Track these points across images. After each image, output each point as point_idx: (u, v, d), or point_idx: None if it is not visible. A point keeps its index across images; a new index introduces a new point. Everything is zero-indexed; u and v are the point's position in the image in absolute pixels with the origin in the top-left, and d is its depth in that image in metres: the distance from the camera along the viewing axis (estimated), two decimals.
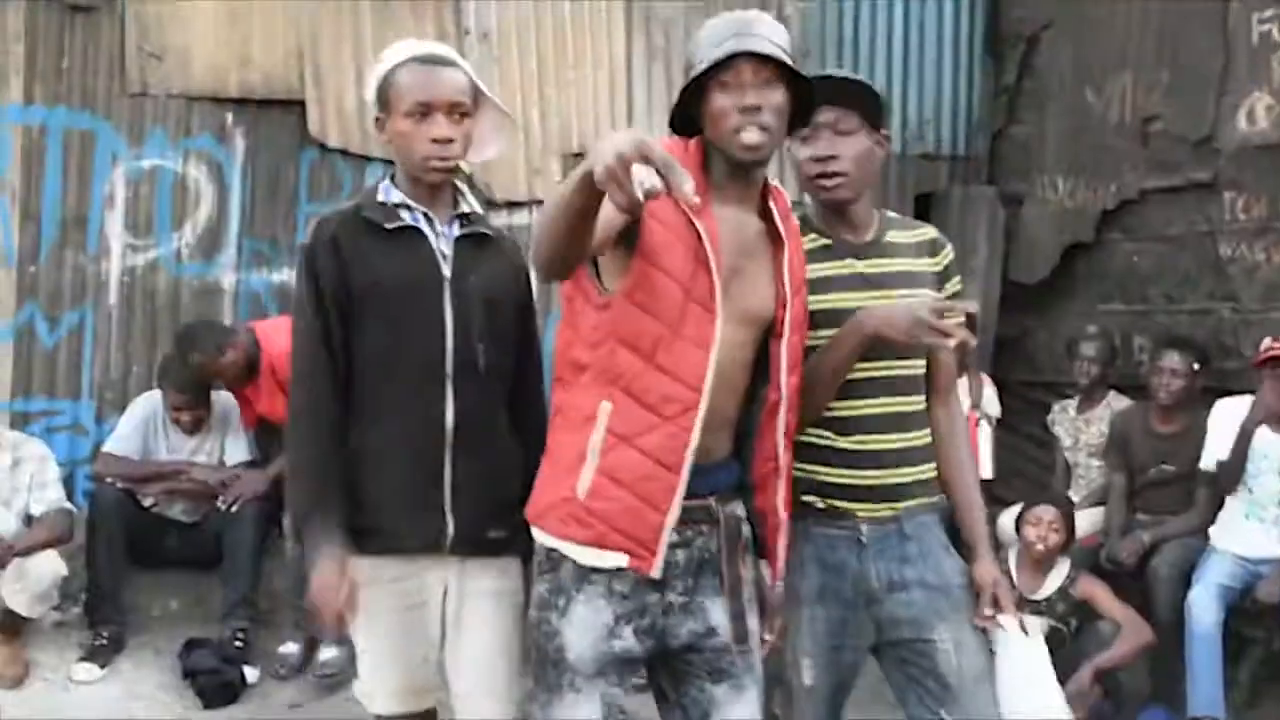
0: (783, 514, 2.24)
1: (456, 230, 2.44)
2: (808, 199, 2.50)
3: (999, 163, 6.55)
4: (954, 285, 2.52)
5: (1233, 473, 4.46)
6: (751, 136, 2.09)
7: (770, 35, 2.13)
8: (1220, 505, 4.57)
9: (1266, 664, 4.44)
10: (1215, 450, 4.58)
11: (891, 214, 2.55)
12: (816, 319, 2.35)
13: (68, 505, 4.60)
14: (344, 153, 5.60)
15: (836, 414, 2.38)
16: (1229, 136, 5.15)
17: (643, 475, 2.08)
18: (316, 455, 2.38)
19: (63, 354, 5.40)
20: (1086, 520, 4.96)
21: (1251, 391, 4.50)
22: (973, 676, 2.39)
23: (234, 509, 4.72)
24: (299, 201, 5.60)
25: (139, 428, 4.91)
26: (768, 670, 2.35)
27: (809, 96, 2.19)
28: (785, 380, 2.19)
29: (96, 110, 5.39)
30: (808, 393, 2.31)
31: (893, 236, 2.47)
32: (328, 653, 4.49)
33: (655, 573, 2.10)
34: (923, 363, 2.47)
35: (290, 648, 4.62)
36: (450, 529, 2.39)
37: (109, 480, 4.78)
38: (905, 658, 2.43)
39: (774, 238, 2.23)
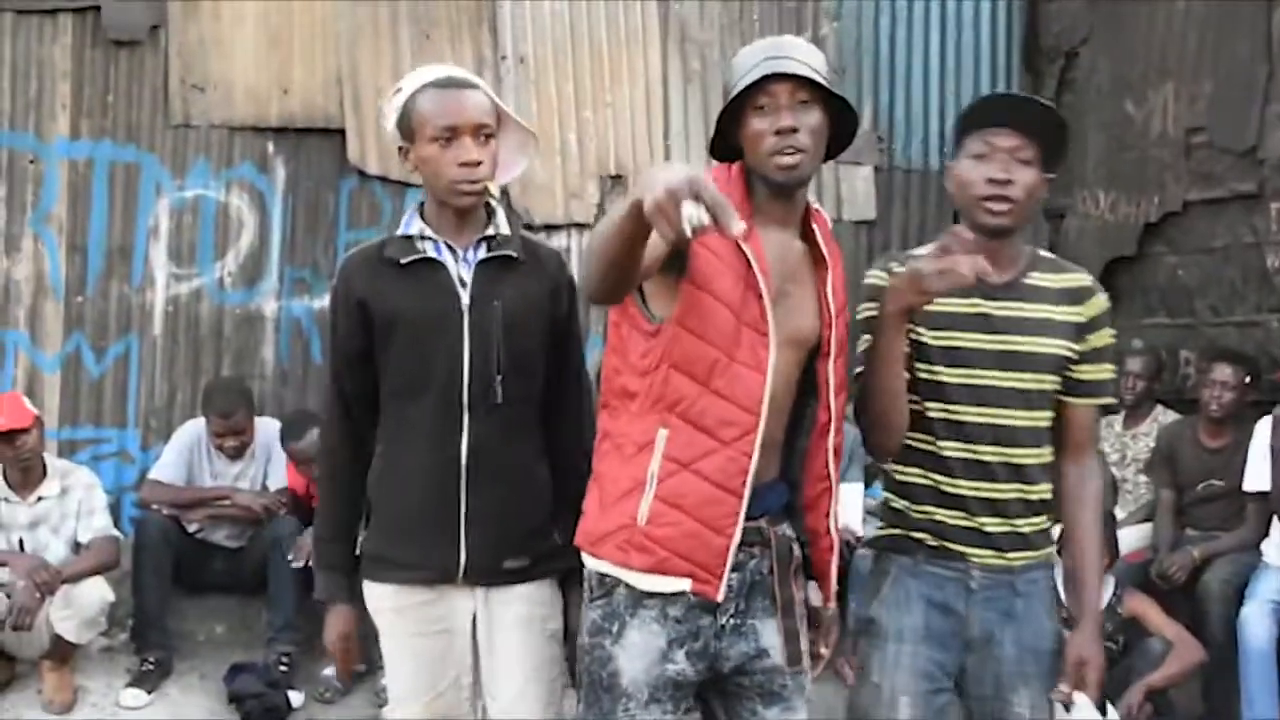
0: (834, 534, 2.24)
1: (481, 254, 2.42)
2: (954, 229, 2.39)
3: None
4: (1099, 338, 2.41)
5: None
6: (787, 159, 2.10)
7: (805, 58, 2.13)
8: (1271, 520, 4.49)
9: None
10: (1257, 471, 4.51)
11: (1046, 254, 2.47)
12: (933, 354, 2.34)
13: (114, 532, 4.64)
14: (383, 179, 5.64)
15: (949, 456, 2.36)
16: (1274, 146, 5.08)
17: (704, 500, 2.09)
18: (328, 502, 2.50)
19: (109, 383, 5.48)
20: (1134, 536, 4.90)
21: None
22: None
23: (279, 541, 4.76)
24: (339, 229, 5.65)
25: (183, 455, 4.96)
26: (854, 711, 2.39)
27: (849, 117, 2.19)
28: (834, 400, 2.20)
29: (141, 143, 5.48)
30: (876, 401, 2.30)
31: (1035, 279, 2.39)
32: (329, 670, 4.60)
33: (719, 596, 2.11)
34: (1048, 414, 2.39)
35: (333, 670, 4.63)
36: (463, 560, 2.39)
37: (154, 507, 4.83)
38: (978, 712, 2.41)
39: (816, 259, 2.23)
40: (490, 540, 2.38)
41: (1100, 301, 2.42)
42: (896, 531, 2.44)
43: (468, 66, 5.59)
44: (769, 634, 2.20)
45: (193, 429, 5.06)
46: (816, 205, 2.28)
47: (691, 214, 1.66)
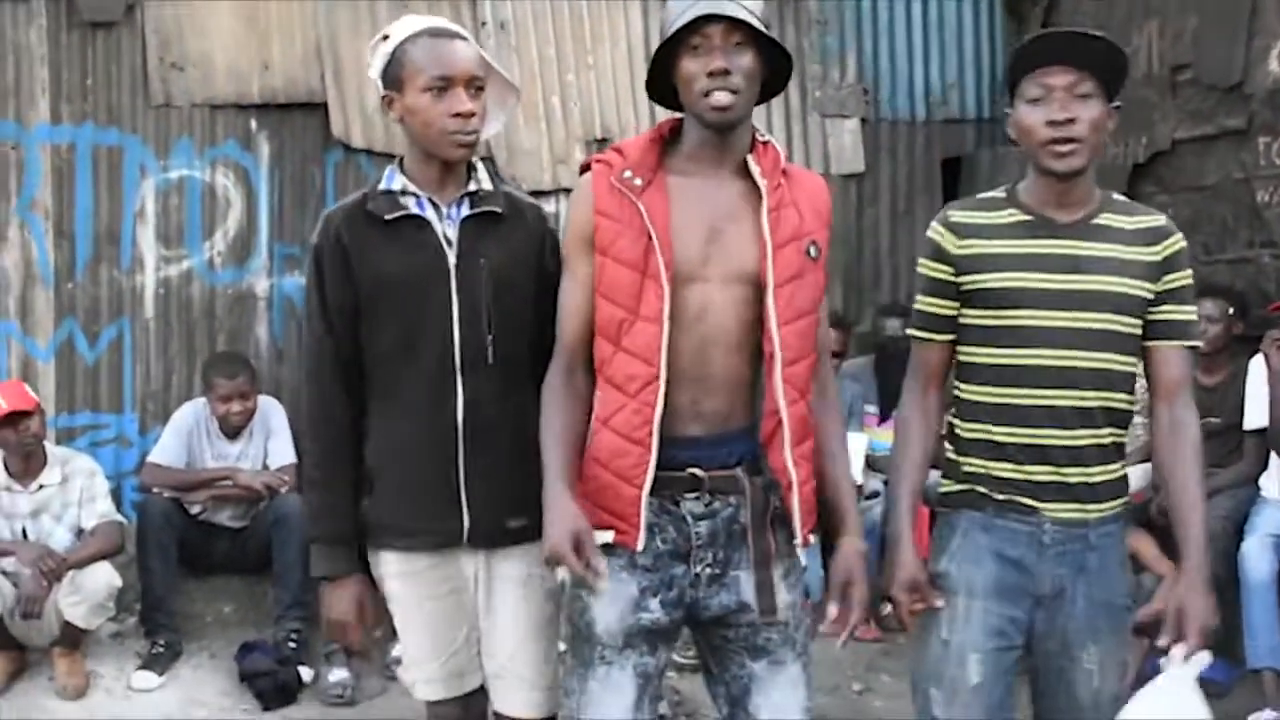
0: (794, 473, 2.19)
1: (465, 210, 2.39)
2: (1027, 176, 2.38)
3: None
4: (1177, 279, 2.33)
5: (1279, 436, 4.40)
6: (720, 98, 2.11)
7: (740, 0, 2.13)
8: (1269, 455, 4.51)
9: None
10: (1256, 408, 4.52)
11: (1118, 197, 2.41)
12: (1008, 297, 2.30)
13: (118, 517, 4.65)
14: (369, 152, 5.59)
15: (1015, 404, 2.31)
16: (1260, 81, 5.06)
17: (615, 452, 2.17)
18: (326, 465, 2.42)
19: (104, 368, 5.45)
20: (1134, 477, 4.88)
21: None
22: (1108, 701, 2.32)
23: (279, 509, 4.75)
24: (327, 203, 5.53)
25: (182, 437, 4.96)
26: (918, 666, 2.37)
27: (784, 63, 2.21)
28: (777, 331, 2.16)
29: (123, 125, 5.42)
30: None
31: (1107, 219, 2.32)
32: (336, 674, 4.50)
33: (639, 545, 2.16)
34: (1125, 358, 2.31)
35: (340, 672, 4.56)
36: (467, 523, 2.38)
37: (156, 490, 4.83)
38: (1044, 668, 2.37)
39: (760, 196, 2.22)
40: (491, 501, 2.38)
41: (1177, 242, 2.33)
42: (962, 487, 2.39)
43: None
44: (749, 587, 2.20)
45: (190, 411, 5.05)
46: (766, 138, 2.26)
47: (562, 577, 2.11)
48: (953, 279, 2.37)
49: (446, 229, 2.38)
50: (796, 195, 2.24)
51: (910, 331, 2.48)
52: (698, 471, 2.19)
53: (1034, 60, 2.25)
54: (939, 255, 2.39)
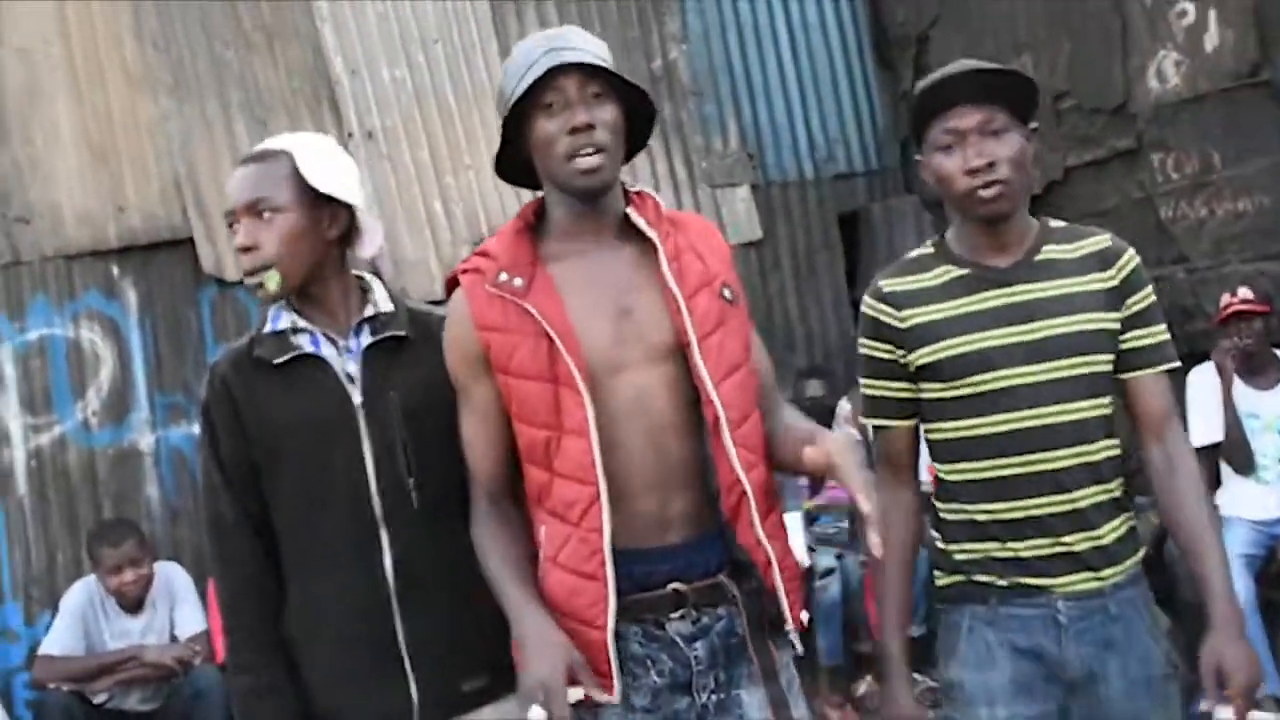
0: (769, 548, 1.93)
1: (365, 339, 2.12)
2: (951, 228, 2.18)
3: (914, 169, 6.42)
4: (1140, 300, 2.11)
5: (1240, 453, 4.35)
6: (587, 161, 1.86)
7: (588, 45, 1.91)
8: (1219, 471, 4.44)
9: None
10: (1200, 424, 4.45)
11: (1056, 223, 2.18)
12: (965, 364, 2.08)
13: None
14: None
15: (998, 476, 2.09)
16: (1143, 99, 5.10)
17: (570, 592, 1.88)
18: (255, 643, 2.11)
19: None
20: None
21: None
22: None
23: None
24: (206, 344, 5.27)
25: (77, 620, 4.53)
26: None
27: (646, 110, 1.96)
28: (715, 390, 1.90)
29: None
30: None
31: (1050, 252, 2.11)
32: None
33: (615, 696, 1.88)
34: (1106, 400, 2.11)
35: None
36: (415, 695, 2.07)
37: (52, 685, 4.39)
38: None
39: (653, 251, 1.96)
40: (441, 666, 2.07)
41: (1130, 260, 2.12)
42: (958, 578, 2.16)
43: None
44: (755, 706, 1.94)
45: (82, 590, 4.62)
46: (638, 187, 2.03)
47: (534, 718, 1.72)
48: (901, 358, 2.16)
49: (347, 364, 2.11)
50: (692, 240, 2.00)
51: (864, 421, 2.25)
52: (680, 586, 1.91)
53: (936, 105, 2.07)
54: (878, 333, 2.17)
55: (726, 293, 1.98)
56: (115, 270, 5.22)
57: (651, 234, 1.95)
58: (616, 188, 1.97)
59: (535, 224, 2.00)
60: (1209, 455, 4.46)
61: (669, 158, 5.95)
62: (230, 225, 2.11)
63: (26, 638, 4.94)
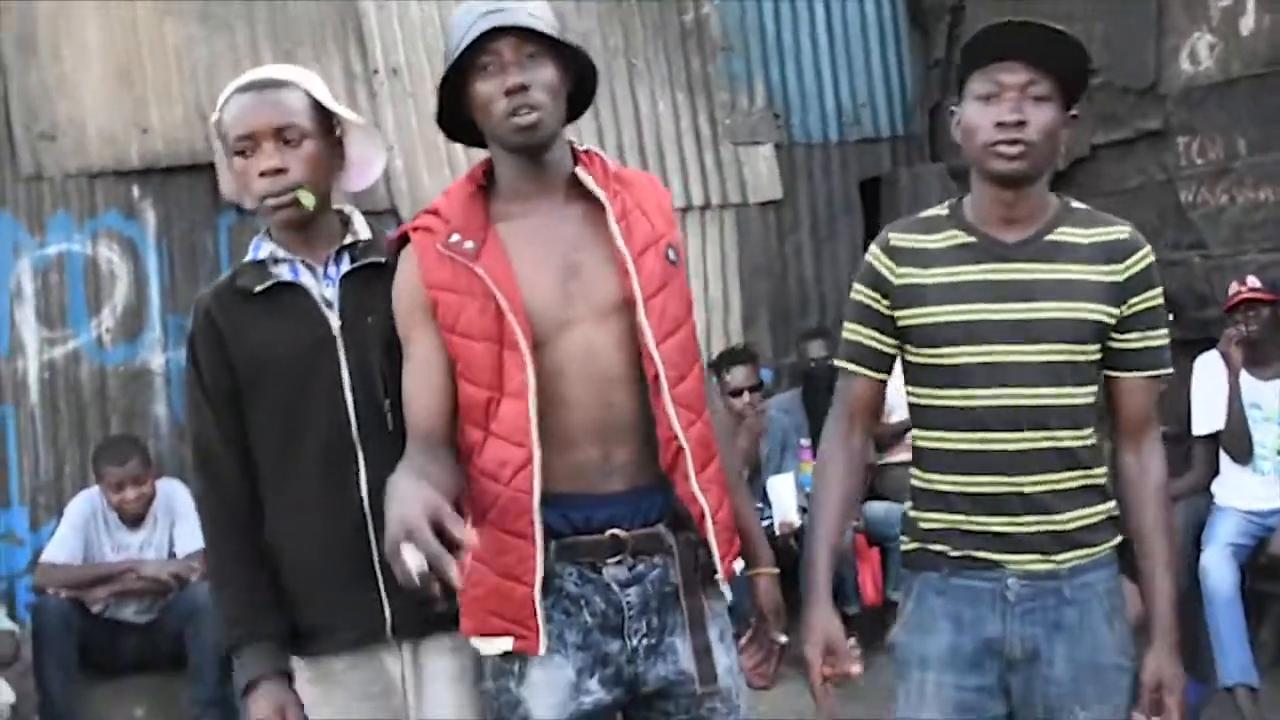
0: (703, 500, 1.98)
1: (345, 267, 2.17)
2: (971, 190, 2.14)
3: (941, 138, 6.37)
4: (1145, 301, 2.08)
5: (1240, 442, 4.31)
6: (523, 119, 1.91)
7: (525, 6, 1.94)
8: (1218, 459, 4.41)
9: None
10: (1204, 413, 4.43)
11: (1078, 206, 2.14)
12: (952, 333, 2.07)
13: (9, 625, 4.31)
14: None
15: (967, 449, 2.08)
16: (1174, 81, 5.02)
17: (499, 550, 1.94)
18: (235, 562, 2.17)
19: None
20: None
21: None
22: None
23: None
24: (221, 268, 5.28)
25: (79, 529, 4.63)
26: None
27: (588, 71, 2.01)
28: (656, 350, 1.95)
29: None
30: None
31: (1062, 234, 2.07)
32: None
33: (541, 649, 1.95)
34: (1087, 390, 2.09)
35: None
36: (389, 613, 2.13)
37: (51, 591, 4.49)
38: None
39: (601, 211, 2.00)
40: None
41: (1144, 258, 2.08)
42: (918, 545, 2.16)
43: (338, 82, 5.32)
44: (687, 655, 1.99)
45: (86, 500, 4.72)
46: (586, 147, 2.07)
47: (411, 566, 1.61)
48: (888, 311, 2.15)
49: (325, 290, 2.16)
50: (639, 199, 2.04)
51: (837, 362, 2.24)
52: (618, 532, 1.97)
53: (987, 54, 2.01)
54: (874, 282, 2.16)
55: (671, 254, 2.03)
56: (136, 191, 5.27)
57: (599, 193, 1.99)
58: (563, 147, 2.01)
59: (485, 184, 2.04)
60: (1209, 443, 4.45)
61: (694, 112, 5.92)
62: (240, 151, 2.10)
63: (31, 543, 5.05)
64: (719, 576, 2.02)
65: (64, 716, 4.32)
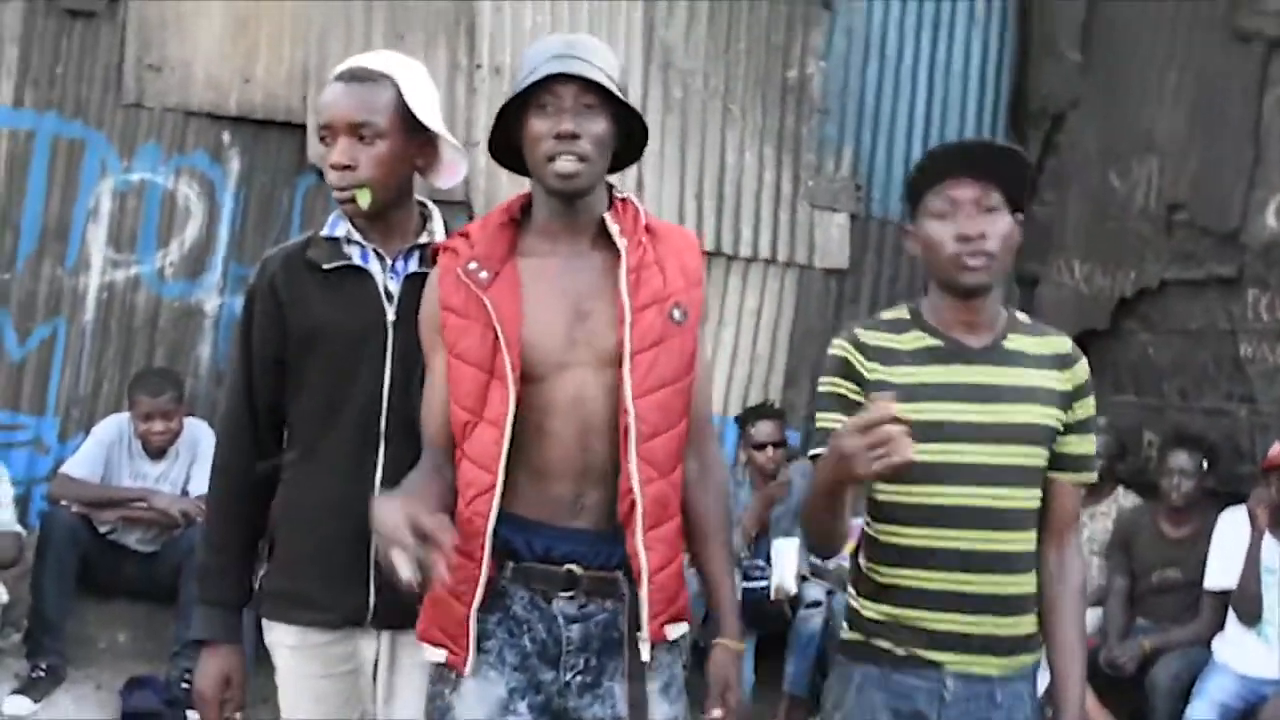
0: (643, 559, 2.00)
1: (413, 266, 2.23)
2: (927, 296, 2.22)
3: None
4: (1084, 408, 2.19)
5: (1250, 604, 4.28)
6: (565, 165, 1.96)
7: (595, 59, 1.99)
8: (1225, 616, 4.37)
9: None
10: (1219, 568, 4.40)
11: (1021, 316, 2.26)
12: (920, 431, 2.06)
13: (16, 528, 4.42)
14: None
15: (923, 547, 2.12)
16: (1256, 232, 4.98)
17: (450, 565, 1.94)
18: (226, 522, 2.27)
19: (30, 367, 5.19)
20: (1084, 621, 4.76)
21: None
22: None
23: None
24: (291, 228, 5.38)
25: (103, 450, 4.75)
26: None
27: (640, 131, 2.06)
28: (632, 403, 1.98)
29: (88, 119, 5.22)
30: (815, 527, 2.14)
31: (1015, 343, 2.18)
32: None
33: (467, 669, 2.00)
34: (1036, 494, 2.17)
35: None
36: (373, 602, 2.20)
37: (65, 503, 4.60)
38: None
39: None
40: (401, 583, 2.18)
41: (1084, 369, 2.21)
42: (862, 638, 2.20)
43: (441, 72, 5.40)
44: (625, 702, 2.02)
45: (114, 424, 4.85)
46: (625, 194, 2.11)
47: (405, 575, 1.77)
48: (861, 400, 2.17)
49: (389, 283, 2.22)
50: (662, 254, 2.08)
51: (811, 452, 2.23)
52: (575, 569, 2.02)
53: (938, 173, 2.12)
54: (847, 373, 2.19)
55: (676, 313, 2.05)
56: (226, 137, 5.37)
57: (620, 242, 2.03)
58: (600, 192, 2.06)
59: (520, 218, 2.10)
60: (1220, 598, 4.41)
61: (779, 168, 5.95)
62: (322, 138, 2.18)
63: (56, 453, 5.14)
64: (640, 634, 2.03)
65: (53, 626, 4.42)
